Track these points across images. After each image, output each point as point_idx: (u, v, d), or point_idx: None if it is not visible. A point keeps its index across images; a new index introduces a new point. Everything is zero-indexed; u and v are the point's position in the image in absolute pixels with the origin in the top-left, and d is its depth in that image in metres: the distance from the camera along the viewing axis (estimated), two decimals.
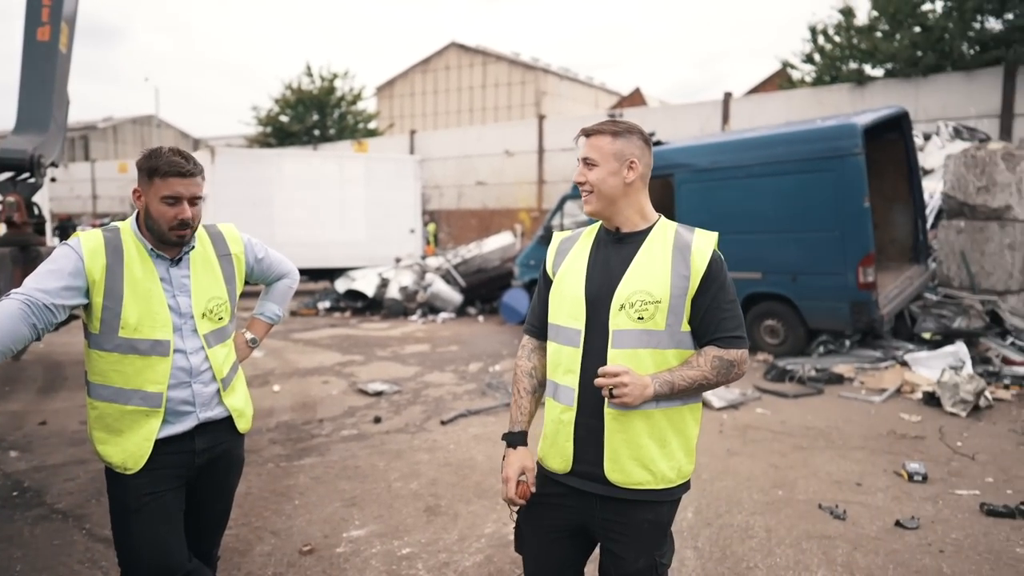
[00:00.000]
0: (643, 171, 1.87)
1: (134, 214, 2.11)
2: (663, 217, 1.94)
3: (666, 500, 1.85)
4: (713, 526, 3.66)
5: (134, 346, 2.00)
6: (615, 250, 1.89)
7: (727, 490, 4.15)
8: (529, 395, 2.00)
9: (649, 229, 1.89)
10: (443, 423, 5.60)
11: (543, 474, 1.95)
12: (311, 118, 31.03)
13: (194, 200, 2.03)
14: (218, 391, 2.15)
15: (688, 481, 1.90)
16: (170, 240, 2.04)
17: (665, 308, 1.78)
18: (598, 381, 1.72)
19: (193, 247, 2.14)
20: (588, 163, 1.87)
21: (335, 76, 31.44)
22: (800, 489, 4.16)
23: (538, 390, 2.02)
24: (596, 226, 2.00)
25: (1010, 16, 15.15)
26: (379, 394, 6.56)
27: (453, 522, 3.71)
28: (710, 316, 1.80)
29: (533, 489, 1.92)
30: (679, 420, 1.84)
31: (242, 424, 2.25)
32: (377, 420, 5.67)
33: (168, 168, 1.97)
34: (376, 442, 5.13)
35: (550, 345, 1.95)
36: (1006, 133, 14.14)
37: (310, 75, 31.35)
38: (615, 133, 1.86)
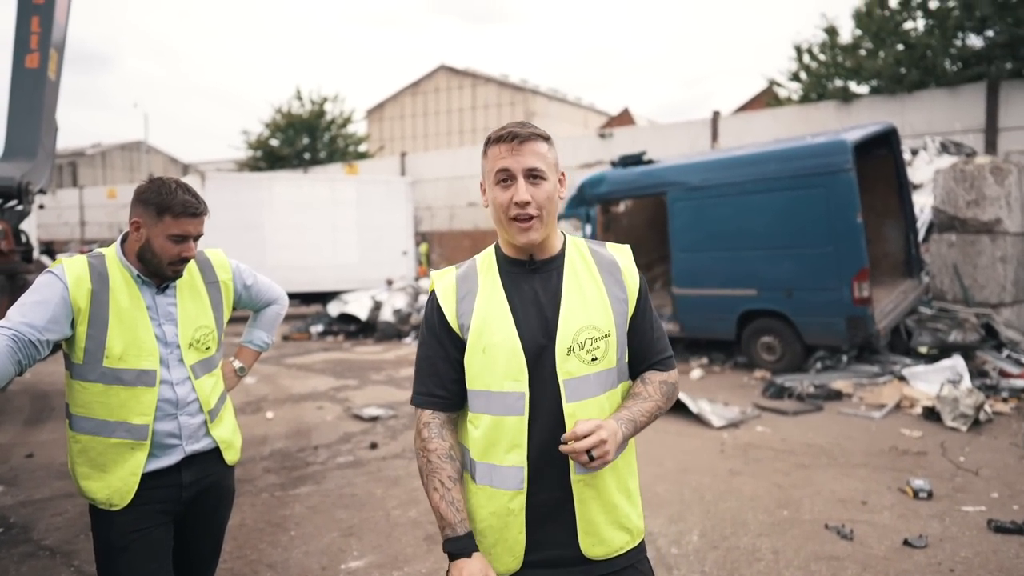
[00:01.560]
0: None
1: (119, 240, 2.06)
2: (564, 232, 1.65)
3: (644, 554, 1.61)
4: (719, 549, 3.59)
5: (119, 376, 1.94)
6: (536, 281, 1.55)
7: (732, 511, 4.08)
8: (456, 483, 1.52)
9: (563, 251, 1.59)
10: None
11: None
12: (301, 142, 31.06)
13: (197, 237, 2.04)
14: (205, 422, 2.10)
15: None
16: (166, 275, 2.02)
17: (614, 341, 1.52)
18: (570, 448, 1.38)
19: (180, 275, 2.09)
20: (534, 176, 1.48)
21: (325, 100, 31.54)
22: (805, 509, 4.10)
23: (462, 472, 1.57)
24: (489, 255, 1.62)
25: (991, 33, 15.41)
26: (375, 419, 6.46)
27: None
28: (647, 339, 1.61)
29: None
30: (630, 458, 1.61)
31: (230, 455, 2.19)
32: (373, 446, 5.57)
33: (182, 209, 1.97)
34: (373, 468, 5.03)
35: (480, 419, 1.53)
36: (991, 147, 14.30)
37: (300, 99, 31.43)
38: (547, 138, 1.53)
